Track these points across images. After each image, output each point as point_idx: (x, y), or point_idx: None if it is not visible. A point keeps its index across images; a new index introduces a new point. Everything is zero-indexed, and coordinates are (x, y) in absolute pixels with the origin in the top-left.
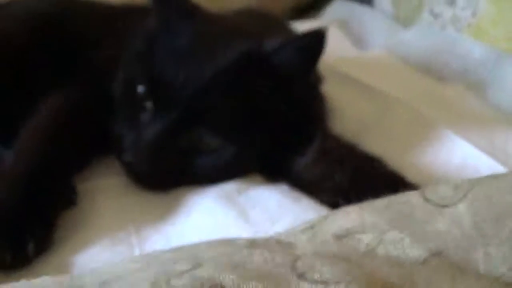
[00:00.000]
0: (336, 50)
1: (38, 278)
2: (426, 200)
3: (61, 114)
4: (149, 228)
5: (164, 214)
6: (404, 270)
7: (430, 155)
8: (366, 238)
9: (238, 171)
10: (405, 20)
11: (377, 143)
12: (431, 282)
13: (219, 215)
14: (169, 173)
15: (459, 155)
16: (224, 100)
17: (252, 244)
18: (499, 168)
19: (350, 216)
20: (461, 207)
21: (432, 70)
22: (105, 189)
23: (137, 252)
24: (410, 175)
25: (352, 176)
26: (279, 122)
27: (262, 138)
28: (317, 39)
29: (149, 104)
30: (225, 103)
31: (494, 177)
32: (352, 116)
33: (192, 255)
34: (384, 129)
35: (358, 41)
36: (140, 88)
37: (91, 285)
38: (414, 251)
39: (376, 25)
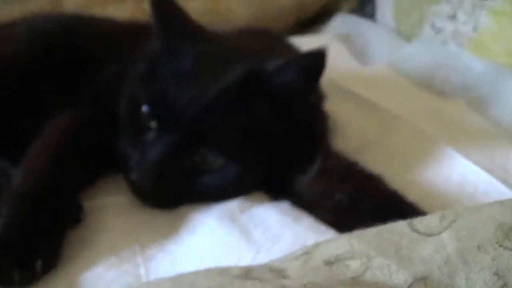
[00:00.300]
0: (338, 64)
1: None
2: (413, 229)
3: (68, 132)
4: (154, 247)
5: (168, 233)
6: None
7: (431, 172)
8: (354, 264)
9: (241, 190)
10: (407, 34)
11: (378, 160)
12: None
13: (222, 235)
14: (173, 192)
15: (459, 172)
16: (226, 120)
17: (247, 273)
18: (498, 185)
19: (340, 243)
20: (445, 235)
21: (433, 85)
22: (111, 207)
23: (142, 271)
24: (410, 192)
25: (353, 195)
26: (281, 141)
27: (264, 157)
28: (318, 59)
29: (153, 124)
30: (227, 123)
31: (477, 208)
32: (353, 133)
33: (189, 284)
34: (385, 146)
35: (360, 55)
36: (144, 108)
37: None
38: (400, 277)
39: (378, 39)
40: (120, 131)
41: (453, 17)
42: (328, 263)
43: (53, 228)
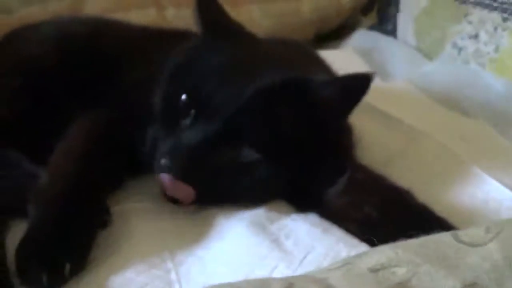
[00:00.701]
0: None
1: None
2: (458, 240)
3: (94, 134)
4: (183, 252)
5: (196, 238)
6: None
7: (455, 189)
8: (401, 271)
9: (270, 193)
10: (427, 52)
11: (402, 175)
12: None
13: (253, 243)
14: (202, 184)
15: (483, 189)
16: (263, 120)
17: (290, 286)
18: None
19: (384, 252)
20: (492, 246)
21: (455, 103)
22: (137, 212)
23: (173, 276)
24: (435, 207)
25: (381, 207)
26: (312, 150)
27: (295, 163)
28: (364, 82)
29: (192, 112)
30: (264, 123)
31: None
32: (377, 147)
33: None
34: (410, 161)
35: (380, 71)
36: (184, 97)
37: None
38: (448, 283)
39: (398, 56)
40: (154, 121)
41: (475, 37)
42: (373, 270)
43: (82, 231)
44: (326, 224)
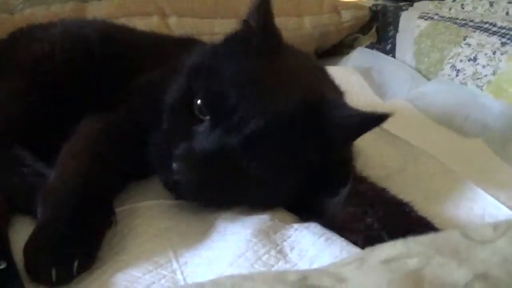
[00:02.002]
0: (360, 96)
1: None
2: (467, 237)
3: (104, 136)
4: (188, 253)
5: (201, 239)
6: None
7: (452, 204)
8: (412, 261)
9: (275, 201)
10: (426, 72)
11: (400, 190)
12: None
13: (259, 249)
14: (211, 187)
15: (480, 205)
16: (279, 138)
17: (304, 279)
18: None
19: (396, 246)
20: (501, 242)
21: (452, 123)
22: (142, 211)
23: (179, 275)
24: (433, 221)
25: (383, 218)
26: (318, 164)
27: (303, 176)
28: (379, 121)
29: (207, 118)
30: (279, 141)
31: None
32: (376, 163)
33: None
34: (408, 177)
35: (379, 89)
36: (200, 101)
37: None
38: (460, 273)
39: (397, 75)
40: (162, 123)
41: (473, 60)
42: (385, 262)
43: (91, 229)
44: (329, 233)
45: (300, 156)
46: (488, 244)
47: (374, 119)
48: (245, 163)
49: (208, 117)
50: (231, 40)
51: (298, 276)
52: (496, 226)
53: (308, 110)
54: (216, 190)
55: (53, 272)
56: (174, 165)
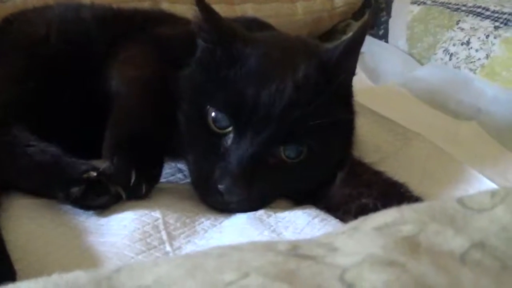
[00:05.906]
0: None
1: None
2: (464, 206)
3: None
4: (181, 239)
5: (195, 229)
6: (451, 276)
7: (447, 186)
8: (406, 228)
9: (320, 177)
10: (419, 57)
11: (395, 173)
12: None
13: (253, 233)
14: (262, 191)
15: (475, 187)
16: (307, 111)
17: (295, 248)
18: None
19: (389, 213)
20: (499, 210)
21: (446, 106)
22: None
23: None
24: None
25: (378, 200)
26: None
27: (337, 146)
28: (362, 34)
29: (229, 130)
30: (308, 114)
31: None
32: (371, 147)
33: (238, 263)
34: (403, 160)
35: (373, 74)
36: (217, 114)
37: None
38: (457, 241)
39: (390, 60)
40: (183, 142)
41: (467, 44)
42: (378, 228)
43: (154, 160)
44: (324, 214)
45: (332, 115)
46: (485, 212)
47: (360, 31)
48: (285, 151)
49: (231, 128)
50: (201, 57)
51: (288, 245)
52: (493, 193)
53: (317, 70)
54: (267, 193)
55: (143, 187)
56: (220, 187)
